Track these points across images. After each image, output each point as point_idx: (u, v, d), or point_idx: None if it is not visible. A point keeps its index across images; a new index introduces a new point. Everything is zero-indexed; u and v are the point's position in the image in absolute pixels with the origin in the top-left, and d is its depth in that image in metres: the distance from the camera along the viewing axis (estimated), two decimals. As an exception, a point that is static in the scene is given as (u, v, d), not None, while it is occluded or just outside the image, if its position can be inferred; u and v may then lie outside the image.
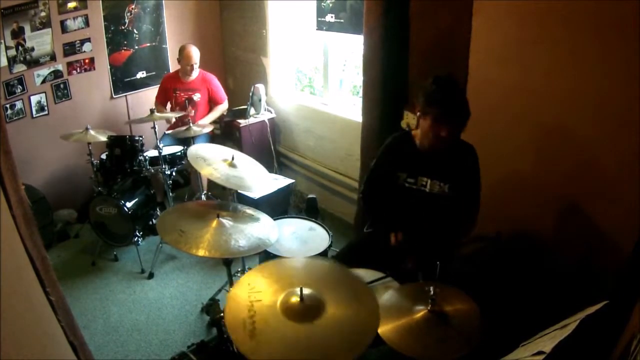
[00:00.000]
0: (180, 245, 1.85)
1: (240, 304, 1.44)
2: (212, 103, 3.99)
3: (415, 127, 2.13)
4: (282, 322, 1.38)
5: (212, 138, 4.01)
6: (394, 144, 2.18)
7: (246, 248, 1.91)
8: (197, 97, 3.86)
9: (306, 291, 1.44)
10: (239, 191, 3.07)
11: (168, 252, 3.44)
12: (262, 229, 2.07)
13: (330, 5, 3.44)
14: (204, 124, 3.63)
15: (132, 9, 4.01)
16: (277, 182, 3.51)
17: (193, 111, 3.82)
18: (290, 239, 2.51)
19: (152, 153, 3.47)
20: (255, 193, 3.26)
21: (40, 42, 3.54)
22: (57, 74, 3.71)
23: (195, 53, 3.77)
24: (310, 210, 3.60)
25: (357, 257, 2.15)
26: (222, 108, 4.03)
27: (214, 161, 2.41)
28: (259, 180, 2.49)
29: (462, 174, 2.06)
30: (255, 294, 1.48)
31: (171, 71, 4.22)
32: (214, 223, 1.97)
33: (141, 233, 3.35)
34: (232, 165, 2.42)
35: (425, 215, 2.10)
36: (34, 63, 3.55)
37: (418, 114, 2.00)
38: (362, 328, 1.39)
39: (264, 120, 4.10)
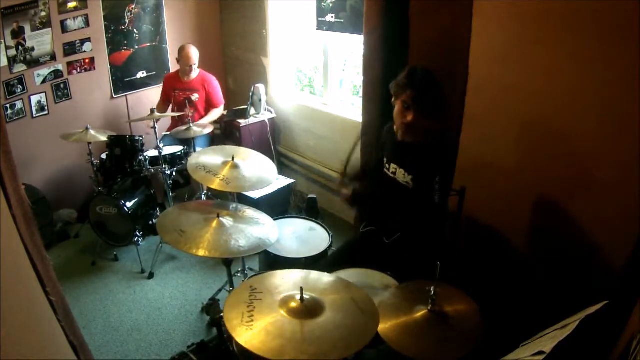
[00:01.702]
0: (180, 245, 1.85)
1: (240, 300, 1.48)
2: (208, 105, 3.96)
3: None
4: (280, 316, 1.41)
5: (213, 138, 4.01)
6: (384, 132, 2.29)
7: (246, 248, 1.92)
8: (195, 97, 3.86)
9: (307, 295, 1.46)
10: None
11: (168, 252, 3.44)
12: (262, 229, 2.07)
13: (330, 5, 3.44)
14: (204, 124, 3.63)
15: (132, 9, 4.01)
16: (277, 182, 3.50)
17: (192, 111, 3.82)
18: (290, 239, 2.51)
19: (152, 153, 3.47)
20: (256, 193, 3.26)
21: (41, 42, 3.54)
22: (57, 73, 3.71)
23: (194, 53, 3.77)
24: (310, 210, 3.60)
25: (353, 256, 2.15)
26: (217, 112, 3.99)
27: (215, 167, 2.36)
28: (265, 174, 2.44)
29: (427, 168, 1.97)
30: (256, 293, 1.51)
31: (171, 71, 4.22)
32: (214, 223, 1.97)
33: (141, 233, 3.35)
34: (234, 166, 2.37)
35: (394, 204, 2.13)
36: (34, 63, 3.55)
37: (392, 100, 2.05)
38: (360, 331, 1.40)
39: (264, 120, 4.09)
